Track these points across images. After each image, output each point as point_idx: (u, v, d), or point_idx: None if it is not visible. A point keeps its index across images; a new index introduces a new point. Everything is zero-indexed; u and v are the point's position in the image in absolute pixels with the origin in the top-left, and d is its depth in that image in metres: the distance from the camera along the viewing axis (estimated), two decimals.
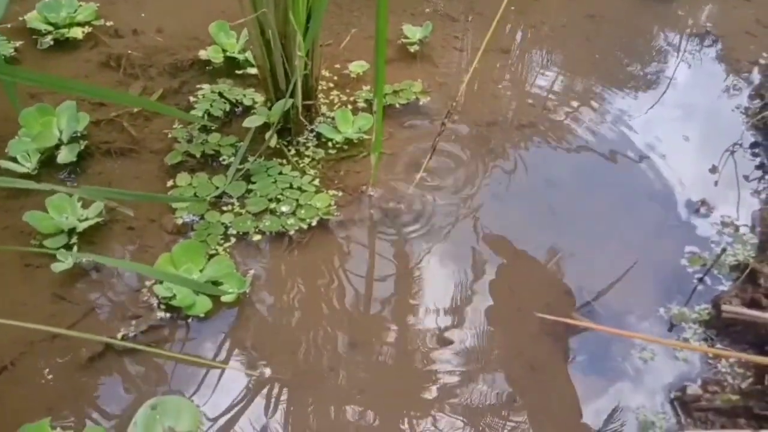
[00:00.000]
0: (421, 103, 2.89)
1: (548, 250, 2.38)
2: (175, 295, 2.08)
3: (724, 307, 2.08)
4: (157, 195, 2.39)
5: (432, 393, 1.97)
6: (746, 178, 2.67)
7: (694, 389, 1.98)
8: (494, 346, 2.10)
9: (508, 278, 2.29)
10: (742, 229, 2.45)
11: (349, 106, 2.80)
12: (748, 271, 2.23)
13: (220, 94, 2.77)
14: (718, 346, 2.09)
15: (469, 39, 3.34)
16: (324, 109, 2.78)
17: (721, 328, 2.12)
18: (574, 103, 3.00)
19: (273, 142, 2.49)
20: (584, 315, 2.18)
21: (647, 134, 2.87)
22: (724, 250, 2.31)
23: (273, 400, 1.94)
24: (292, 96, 2.41)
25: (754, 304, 2.13)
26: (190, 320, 2.10)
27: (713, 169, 2.71)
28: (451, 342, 2.10)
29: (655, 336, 2.12)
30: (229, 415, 1.90)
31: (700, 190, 2.61)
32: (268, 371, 2.00)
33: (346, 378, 2.00)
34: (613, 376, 2.04)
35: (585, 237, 2.42)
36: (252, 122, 2.47)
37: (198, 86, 2.85)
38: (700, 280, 2.27)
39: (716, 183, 2.65)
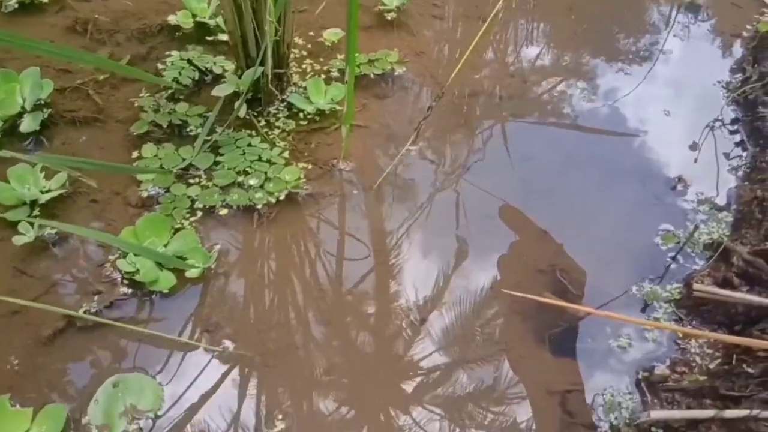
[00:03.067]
0: (397, 73, 2.83)
1: (520, 228, 2.34)
2: (138, 270, 2.04)
3: (696, 287, 2.05)
4: (122, 166, 2.33)
5: (405, 375, 1.95)
6: (726, 155, 2.64)
7: (661, 370, 1.97)
8: (465, 326, 2.07)
9: (481, 257, 2.25)
10: (718, 207, 2.41)
11: (323, 76, 2.73)
12: (721, 249, 2.20)
13: (190, 62, 2.69)
14: (689, 326, 2.07)
15: (449, 7, 3.25)
16: (296, 78, 2.71)
17: (692, 307, 2.10)
18: (556, 77, 2.94)
19: (242, 112, 2.43)
20: (556, 293, 2.15)
21: (627, 109, 2.82)
22: (696, 227, 2.28)
23: (238, 378, 1.91)
24: (262, 64, 2.34)
25: (726, 283, 2.11)
26: (154, 296, 2.06)
27: (693, 146, 2.67)
28: (423, 321, 2.06)
29: (624, 315, 2.10)
30: (192, 394, 1.88)
31: (678, 166, 2.57)
32: (233, 349, 1.96)
33: (316, 357, 1.97)
34: (581, 356, 2.02)
35: (559, 214, 2.38)
36: (221, 91, 2.40)
37: (167, 53, 2.77)
38: (673, 258, 2.24)
39: (695, 160, 2.62)
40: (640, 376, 1.97)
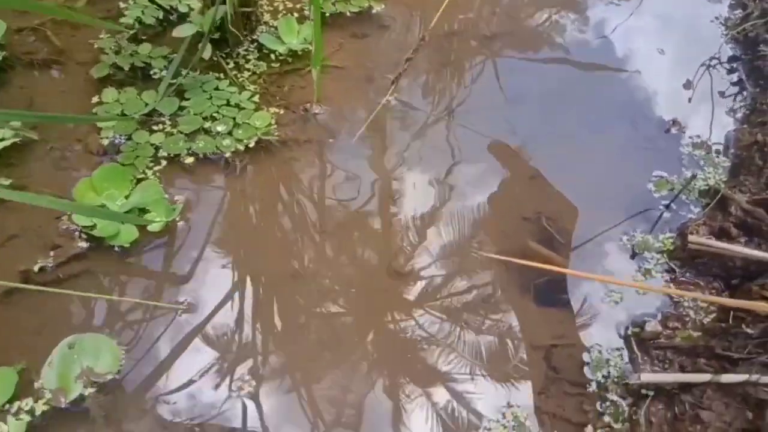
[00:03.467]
0: (374, 11, 2.65)
1: (506, 173, 2.21)
2: (95, 224, 1.91)
3: (691, 238, 1.93)
4: (72, 116, 2.17)
5: (376, 330, 1.84)
6: (722, 94, 2.49)
7: (653, 326, 1.86)
8: (448, 280, 1.95)
9: (464, 206, 2.12)
10: (715, 151, 2.28)
11: (295, 14, 2.56)
12: (718, 197, 2.07)
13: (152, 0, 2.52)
14: (682, 279, 1.96)
15: None
16: (267, 17, 2.54)
17: (686, 259, 1.98)
18: (542, 12, 2.76)
19: (207, 54, 2.27)
20: (542, 243, 2.03)
21: (620, 46, 2.66)
22: (694, 177, 2.15)
23: (201, 339, 1.80)
24: (225, 1, 2.17)
25: (723, 233, 1.99)
26: (114, 250, 1.93)
27: (687, 85, 2.52)
28: (401, 274, 1.95)
29: (614, 269, 1.99)
30: (153, 355, 1.77)
31: (673, 107, 2.42)
32: (198, 308, 1.85)
33: (285, 313, 1.86)
34: (567, 308, 1.92)
35: (546, 159, 2.25)
36: (182, 31, 2.24)
37: None
38: (667, 206, 2.12)
39: (690, 100, 2.47)
40: (629, 332, 1.86)
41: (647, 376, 1.71)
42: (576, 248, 2.04)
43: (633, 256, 2.02)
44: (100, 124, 2.17)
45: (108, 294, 1.86)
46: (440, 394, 1.75)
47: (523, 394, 1.76)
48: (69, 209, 1.87)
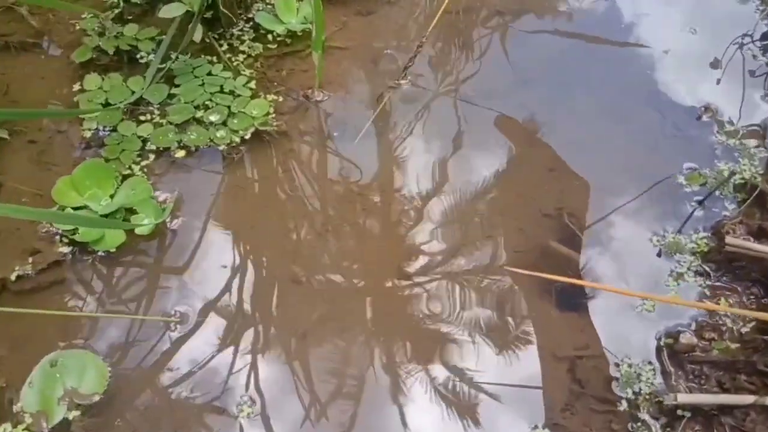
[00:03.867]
0: None
1: (524, 165, 2.03)
2: (77, 228, 1.74)
3: (729, 240, 1.76)
4: (50, 110, 2.00)
5: (385, 338, 1.69)
6: (760, 80, 2.29)
7: (687, 337, 1.69)
8: (462, 282, 1.80)
9: (478, 200, 1.95)
10: (750, 141, 2.09)
11: None
12: (756, 193, 1.90)
13: None
14: (717, 283, 1.79)
15: None
16: None
17: (722, 261, 1.81)
18: None
19: (198, 36, 2.07)
20: (563, 242, 1.87)
21: (645, 23, 2.45)
22: (732, 174, 1.96)
23: (196, 354, 1.65)
24: None
25: (762, 233, 1.82)
26: (98, 255, 1.77)
27: (719, 66, 2.32)
28: (409, 276, 1.79)
29: (642, 272, 1.83)
30: (142, 373, 1.62)
31: (704, 92, 2.23)
32: (191, 319, 1.69)
33: (287, 323, 1.70)
34: (593, 313, 1.75)
35: (566, 147, 2.07)
36: (170, 11, 2.04)
37: None
38: (700, 203, 1.94)
39: (719, 81, 2.27)
40: (662, 343, 1.70)
41: (684, 397, 1.56)
42: (600, 249, 1.87)
43: (665, 259, 1.85)
44: (82, 115, 1.99)
45: (92, 303, 1.71)
46: (454, 412, 1.60)
47: (546, 410, 1.61)
48: (43, 218, 1.70)
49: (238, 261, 1.80)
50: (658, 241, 1.88)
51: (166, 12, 2.03)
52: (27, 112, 1.91)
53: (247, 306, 1.72)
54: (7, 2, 2.25)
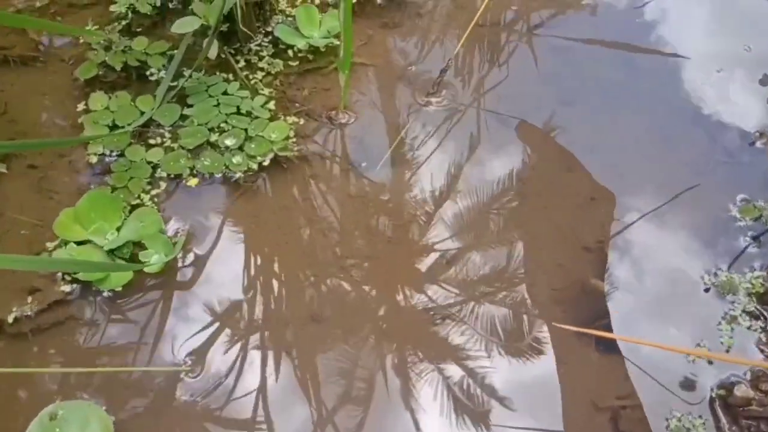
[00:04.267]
0: None
1: (562, 193, 1.88)
2: None
3: None
4: (51, 141, 1.84)
5: (414, 381, 1.54)
6: None
7: (743, 390, 1.54)
8: (495, 319, 1.65)
9: (513, 232, 1.80)
10: None
11: (317, 0, 2.20)
12: None
13: None
14: None
15: None
16: (283, 4, 2.17)
17: None
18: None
19: (213, 53, 1.92)
20: (603, 279, 1.72)
21: (693, 38, 2.28)
22: None
23: (208, 405, 1.50)
24: None
25: None
26: (103, 295, 1.62)
27: (764, 80, 2.15)
28: (438, 317, 1.64)
29: (692, 314, 1.67)
30: (150, 427, 1.48)
31: (758, 115, 2.06)
32: (204, 366, 1.55)
33: (307, 368, 1.56)
34: (639, 363, 1.59)
35: (608, 173, 1.91)
36: (183, 26, 1.88)
37: None
38: (755, 239, 1.79)
39: None
40: (714, 395, 1.55)
41: None
42: (645, 286, 1.72)
43: (717, 300, 1.69)
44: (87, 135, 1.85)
45: (96, 347, 1.56)
46: None
47: None
48: (38, 267, 1.55)
49: (254, 300, 1.65)
50: (709, 279, 1.72)
51: (180, 27, 1.88)
52: (26, 143, 1.77)
53: (263, 350, 1.58)
54: (6, 11, 2.09)
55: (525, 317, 1.67)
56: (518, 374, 1.58)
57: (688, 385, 1.57)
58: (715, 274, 1.73)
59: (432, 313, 1.65)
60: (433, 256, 1.74)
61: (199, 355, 1.56)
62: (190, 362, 1.55)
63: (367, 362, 1.58)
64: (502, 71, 2.14)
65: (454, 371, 1.57)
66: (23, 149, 1.77)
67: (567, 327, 1.49)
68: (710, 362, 1.59)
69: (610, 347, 1.62)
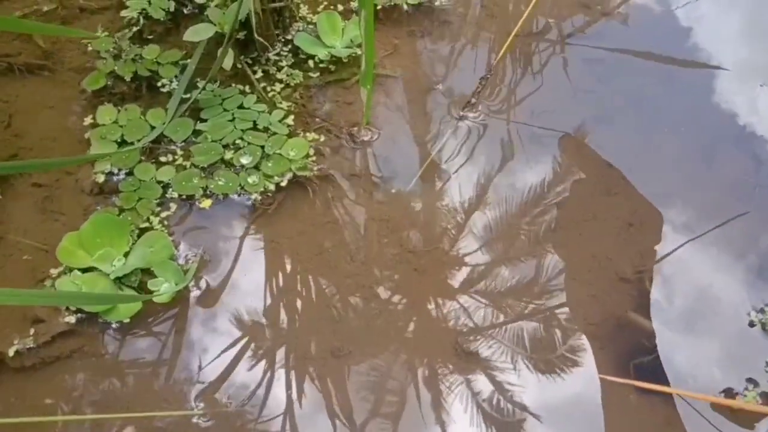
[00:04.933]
0: (437, 3, 2.14)
1: (598, 219, 1.75)
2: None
3: None
4: (54, 161, 1.71)
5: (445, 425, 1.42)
6: None
7: None
8: (527, 353, 1.53)
9: (547, 260, 1.67)
10: None
11: (339, 7, 2.06)
12: None
13: None
14: None
15: None
16: (304, 11, 2.04)
17: None
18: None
19: (229, 63, 1.80)
20: (642, 313, 1.59)
21: (732, 48, 2.13)
22: None
23: None
24: None
25: None
26: (110, 327, 1.51)
27: None
28: (467, 355, 1.52)
29: (737, 356, 1.54)
30: None
31: None
32: (216, 410, 1.43)
33: (324, 406, 1.44)
34: (678, 405, 1.47)
35: (648, 198, 1.78)
36: (197, 34, 1.75)
37: None
38: None
39: None
40: None
41: None
42: (686, 322, 1.59)
43: (757, 331, 1.57)
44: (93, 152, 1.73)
45: (103, 384, 1.45)
46: None
47: None
48: (37, 302, 1.42)
49: (271, 334, 1.54)
50: (756, 316, 1.59)
51: (193, 34, 1.76)
52: (28, 164, 1.65)
53: (281, 388, 1.46)
54: (11, 16, 1.98)
55: (560, 347, 1.55)
56: (549, 406, 1.46)
57: (734, 428, 1.45)
58: (763, 311, 1.60)
59: (456, 344, 1.53)
60: (463, 288, 1.62)
61: (213, 395, 1.45)
62: (202, 405, 1.43)
63: (390, 399, 1.46)
64: (536, 84, 2.01)
65: (481, 412, 1.45)
66: (25, 171, 1.66)
67: (613, 379, 1.36)
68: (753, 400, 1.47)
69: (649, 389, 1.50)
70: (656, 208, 1.76)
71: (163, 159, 1.75)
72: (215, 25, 1.79)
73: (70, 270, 1.55)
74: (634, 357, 1.54)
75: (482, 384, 1.48)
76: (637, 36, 2.14)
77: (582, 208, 1.77)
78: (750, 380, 1.50)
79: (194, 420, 1.41)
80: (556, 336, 1.57)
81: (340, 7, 2.07)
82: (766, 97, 2.01)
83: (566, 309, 1.61)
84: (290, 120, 1.83)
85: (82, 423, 1.41)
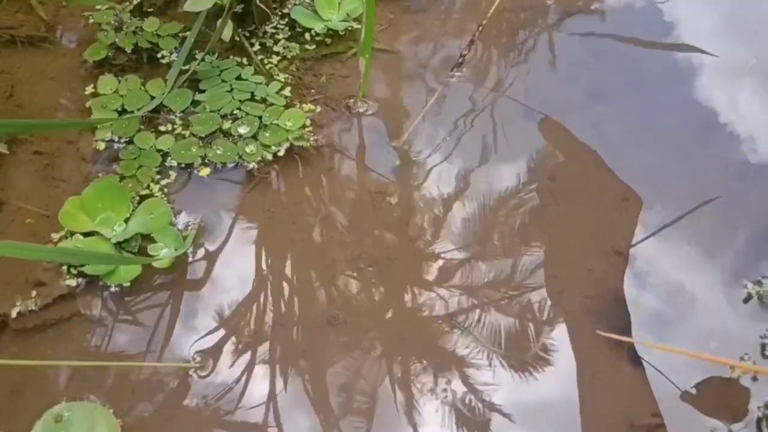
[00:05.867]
0: None
1: (593, 193, 1.78)
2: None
3: None
4: (57, 122, 1.76)
5: (435, 393, 1.46)
6: None
7: None
8: (521, 331, 1.56)
9: (541, 234, 1.71)
10: None
11: None
12: None
13: None
14: None
15: None
16: None
17: None
18: None
19: (227, 34, 1.83)
20: (637, 287, 1.62)
21: (729, 31, 2.17)
22: None
23: (219, 407, 1.42)
24: None
25: None
26: (110, 290, 1.55)
27: None
28: (462, 326, 1.55)
29: (734, 327, 1.58)
30: (159, 429, 1.40)
31: None
32: (212, 365, 1.47)
33: (319, 370, 1.48)
34: (677, 378, 1.49)
35: (642, 172, 1.81)
36: (197, 4, 1.78)
37: None
38: None
39: None
40: (760, 414, 1.46)
41: None
42: (682, 294, 1.63)
43: (749, 300, 1.60)
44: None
45: (103, 344, 1.49)
46: None
47: None
48: (44, 256, 1.47)
49: (267, 299, 1.57)
50: (753, 288, 1.62)
51: (193, 4, 1.78)
52: (30, 123, 1.68)
53: (276, 351, 1.50)
54: None
55: (553, 324, 1.58)
56: (544, 382, 1.49)
57: (730, 402, 1.48)
58: (759, 283, 1.63)
59: (452, 317, 1.57)
60: (456, 259, 1.65)
61: (210, 353, 1.48)
62: (198, 359, 1.47)
63: (382, 365, 1.50)
64: (529, 61, 2.04)
65: (472, 379, 1.49)
66: (28, 130, 1.69)
67: (612, 335, 1.39)
68: (755, 378, 1.50)
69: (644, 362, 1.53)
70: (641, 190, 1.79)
71: (162, 128, 1.78)
72: None
73: (72, 234, 1.58)
74: (629, 334, 1.56)
75: (474, 346, 1.52)
76: (630, 14, 2.17)
77: (574, 183, 1.80)
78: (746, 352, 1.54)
79: (191, 372, 1.45)
80: (552, 310, 1.60)
81: None
82: (757, 72, 2.04)
83: (562, 282, 1.63)
84: (287, 91, 1.86)
85: (83, 370, 1.45)
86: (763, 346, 1.54)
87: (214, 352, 1.49)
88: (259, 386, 1.46)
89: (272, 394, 1.45)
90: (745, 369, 1.49)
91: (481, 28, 1.90)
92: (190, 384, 1.45)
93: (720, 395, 1.49)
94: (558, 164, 1.83)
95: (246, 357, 1.49)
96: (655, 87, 2.00)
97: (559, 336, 1.56)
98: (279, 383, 1.46)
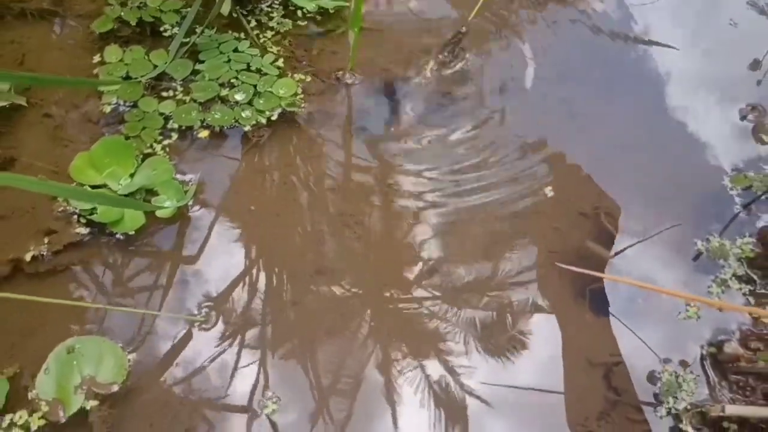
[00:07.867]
0: None
1: (563, 162, 1.94)
2: (95, 208, 1.66)
3: None
4: (70, 79, 1.89)
5: (408, 340, 1.61)
6: None
7: (732, 347, 1.61)
8: (490, 283, 1.71)
9: (512, 199, 1.86)
10: None
11: None
12: None
13: None
14: (762, 291, 1.71)
15: None
16: None
17: None
18: None
19: (226, 9, 1.98)
20: (601, 243, 1.78)
21: (682, 16, 2.35)
22: None
23: (219, 349, 1.56)
24: None
25: None
26: (117, 237, 1.68)
27: (755, 65, 2.21)
28: (438, 274, 1.70)
29: (685, 278, 1.74)
30: (164, 363, 1.53)
31: (748, 90, 2.13)
32: (214, 313, 1.60)
33: (310, 317, 1.61)
34: (631, 323, 1.66)
35: (605, 146, 1.98)
36: None
37: None
38: (745, 206, 1.86)
39: (760, 83, 2.17)
40: (705, 352, 1.62)
41: (733, 408, 1.48)
42: (639, 251, 1.79)
43: (709, 265, 1.76)
44: (101, 88, 1.89)
45: (111, 288, 1.62)
46: (484, 422, 1.52)
47: (580, 419, 1.53)
48: (62, 194, 1.60)
49: (261, 251, 1.71)
50: (702, 245, 1.79)
51: None
52: (48, 78, 1.81)
53: (269, 299, 1.63)
54: None
55: (520, 277, 1.73)
56: (513, 332, 1.63)
57: (680, 343, 1.63)
58: (707, 240, 1.80)
59: (431, 269, 1.71)
60: (432, 215, 1.79)
61: (212, 304, 1.61)
62: (204, 312, 1.60)
63: (363, 310, 1.64)
64: (511, 44, 2.19)
65: (444, 323, 1.64)
66: (40, 84, 1.82)
67: (568, 267, 1.53)
68: (698, 317, 1.66)
69: (603, 310, 1.68)
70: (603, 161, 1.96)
71: (164, 94, 1.92)
72: None
73: (81, 187, 1.71)
74: (592, 283, 1.71)
75: (449, 294, 1.67)
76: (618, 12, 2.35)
77: (546, 152, 1.95)
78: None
79: (196, 322, 1.58)
80: (522, 260, 1.75)
81: None
82: (709, 59, 2.21)
83: (531, 238, 1.79)
84: (280, 63, 2.00)
85: (91, 311, 1.57)
86: (709, 293, 1.71)
87: (216, 302, 1.62)
88: (253, 331, 1.59)
89: (265, 338, 1.58)
90: (695, 300, 1.66)
91: (463, 29, 2.06)
92: (192, 329, 1.58)
93: (669, 337, 1.64)
94: (530, 139, 1.97)
95: (243, 308, 1.62)
96: (619, 70, 2.18)
97: (526, 285, 1.71)
98: (271, 328, 1.59)
